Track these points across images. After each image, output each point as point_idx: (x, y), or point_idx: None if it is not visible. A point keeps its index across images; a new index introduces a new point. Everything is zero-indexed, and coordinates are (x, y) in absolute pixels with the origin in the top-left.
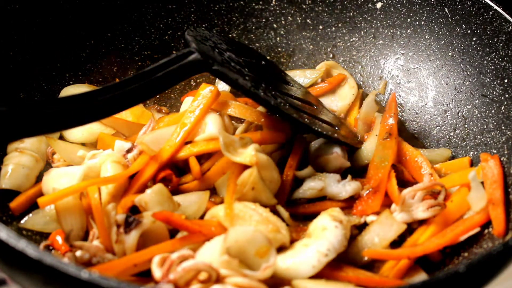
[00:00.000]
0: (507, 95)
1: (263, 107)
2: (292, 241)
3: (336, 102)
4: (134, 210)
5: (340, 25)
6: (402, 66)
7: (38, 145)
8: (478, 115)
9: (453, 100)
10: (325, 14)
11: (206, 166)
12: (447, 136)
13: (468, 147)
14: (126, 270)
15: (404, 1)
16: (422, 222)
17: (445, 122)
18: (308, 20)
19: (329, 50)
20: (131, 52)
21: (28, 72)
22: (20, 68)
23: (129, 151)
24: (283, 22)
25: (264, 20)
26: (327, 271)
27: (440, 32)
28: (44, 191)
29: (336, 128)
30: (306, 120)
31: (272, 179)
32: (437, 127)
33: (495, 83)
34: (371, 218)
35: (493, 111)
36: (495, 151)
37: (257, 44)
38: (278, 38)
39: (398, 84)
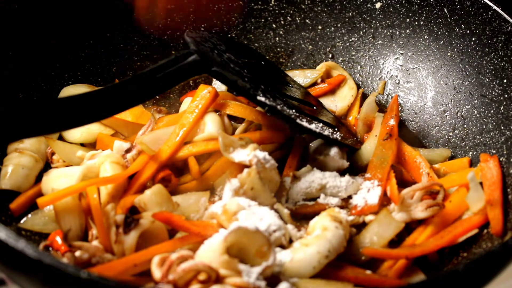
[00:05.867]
0: (506, 95)
1: (262, 108)
2: (291, 241)
3: (335, 103)
4: (134, 210)
5: (339, 25)
6: (401, 66)
7: (37, 146)
8: (477, 115)
9: (452, 100)
10: (324, 14)
11: (205, 166)
12: (446, 136)
13: (467, 147)
14: (126, 270)
15: (403, 1)
16: (421, 222)
17: (444, 122)
18: (307, 20)
19: (328, 50)
20: (130, 52)
21: (27, 72)
22: (19, 68)
23: (128, 151)
24: (282, 22)
25: (263, 20)
26: (326, 270)
27: (439, 32)
28: (44, 192)
29: (336, 129)
30: (304, 121)
31: (271, 179)
32: (436, 127)
33: (494, 83)
34: (369, 217)
35: (492, 111)
36: (494, 151)
37: (256, 44)
38: (277, 38)
39: (397, 84)
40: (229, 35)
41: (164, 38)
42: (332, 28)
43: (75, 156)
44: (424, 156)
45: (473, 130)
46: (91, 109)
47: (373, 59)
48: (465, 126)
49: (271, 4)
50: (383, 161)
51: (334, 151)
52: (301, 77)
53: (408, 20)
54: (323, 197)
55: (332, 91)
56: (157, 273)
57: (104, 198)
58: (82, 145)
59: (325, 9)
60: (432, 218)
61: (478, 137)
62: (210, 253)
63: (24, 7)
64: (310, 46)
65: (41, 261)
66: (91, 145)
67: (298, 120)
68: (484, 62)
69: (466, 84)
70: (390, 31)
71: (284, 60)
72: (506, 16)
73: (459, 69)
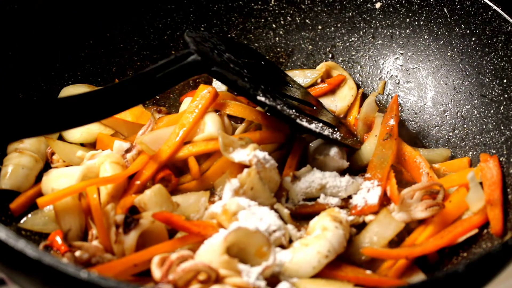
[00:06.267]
0: (506, 95)
1: (262, 108)
2: (291, 241)
3: (335, 103)
4: (134, 210)
5: (339, 25)
6: (401, 66)
7: (37, 146)
8: (477, 115)
9: (452, 100)
10: (324, 14)
11: (205, 166)
12: (446, 136)
13: (467, 147)
14: (126, 270)
15: (403, 1)
16: (421, 222)
17: (444, 122)
18: (307, 20)
19: (328, 50)
20: (130, 52)
21: (27, 72)
22: (19, 68)
23: (128, 151)
24: (282, 22)
25: (263, 20)
26: (326, 270)
27: (439, 32)
28: (44, 192)
29: (335, 129)
30: (304, 121)
31: (271, 179)
32: (436, 127)
33: (494, 83)
34: (369, 217)
35: (492, 111)
36: (494, 151)
37: (256, 44)
38: (277, 38)
39: (397, 84)
40: (229, 35)
41: (164, 38)
42: (332, 28)
43: (75, 156)
44: (424, 156)
45: (473, 130)
46: (91, 109)
47: (373, 59)
48: (465, 126)
49: (271, 4)
50: (383, 161)
51: (334, 151)
52: (301, 77)
53: (408, 20)
54: (323, 197)
55: (332, 91)
56: (157, 273)
57: (104, 198)
58: (82, 145)
59: (325, 9)
60: (432, 218)
61: (478, 137)
62: (210, 253)
63: (24, 7)
64: (310, 46)
65: (41, 261)
66: (91, 145)
67: (298, 120)
68: (484, 62)
69: (466, 84)
70: (390, 31)
71: (284, 60)
72: (506, 16)
73: (459, 69)
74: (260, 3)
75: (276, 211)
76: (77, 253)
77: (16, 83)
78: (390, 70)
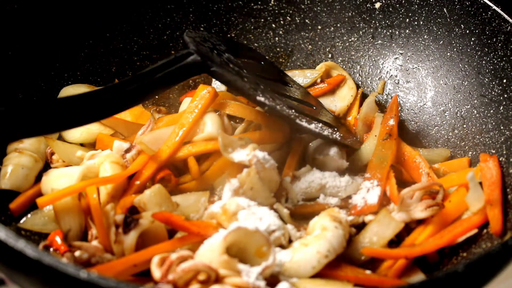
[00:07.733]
0: (505, 95)
1: (261, 108)
2: (291, 241)
3: (335, 103)
4: (133, 210)
5: (338, 25)
6: (401, 66)
7: (37, 146)
8: (477, 115)
9: (452, 100)
10: (324, 14)
11: (205, 166)
12: (446, 136)
13: (466, 147)
14: (125, 270)
15: (403, 1)
16: (420, 222)
17: (444, 122)
18: (306, 20)
19: (327, 50)
20: (129, 52)
21: (27, 72)
22: (19, 68)
23: (127, 151)
24: (281, 22)
25: (262, 20)
26: (326, 270)
27: (439, 32)
28: (43, 192)
29: (335, 129)
30: (304, 121)
31: (271, 179)
32: (436, 127)
33: (493, 83)
34: (369, 217)
35: (491, 111)
36: (493, 151)
37: (255, 44)
38: (276, 38)
39: (396, 84)
40: (229, 35)
41: (164, 38)
42: (332, 28)
43: (74, 156)
44: (424, 156)
45: (473, 130)
46: (91, 109)
47: (373, 59)
48: (464, 126)
49: (270, 4)
50: (382, 161)
51: (333, 151)
52: (301, 77)
53: (407, 20)
54: (323, 197)
55: (331, 91)
56: (156, 273)
57: (103, 198)
58: (81, 145)
59: (325, 9)
60: (432, 218)
61: (477, 137)
62: (210, 253)
63: (24, 7)
64: (310, 46)
65: (41, 261)
66: (90, 145)
67: (297, 120)
68: (483, 62)
69: (465, 84)
70: (390, 31)
71: (283, 60)
72: (506, 16)
73: (458, 69)
74: (259, 3)
75: (276, 211)
76: (77, 253)
77: (16, 83)
78: (390, 70)
